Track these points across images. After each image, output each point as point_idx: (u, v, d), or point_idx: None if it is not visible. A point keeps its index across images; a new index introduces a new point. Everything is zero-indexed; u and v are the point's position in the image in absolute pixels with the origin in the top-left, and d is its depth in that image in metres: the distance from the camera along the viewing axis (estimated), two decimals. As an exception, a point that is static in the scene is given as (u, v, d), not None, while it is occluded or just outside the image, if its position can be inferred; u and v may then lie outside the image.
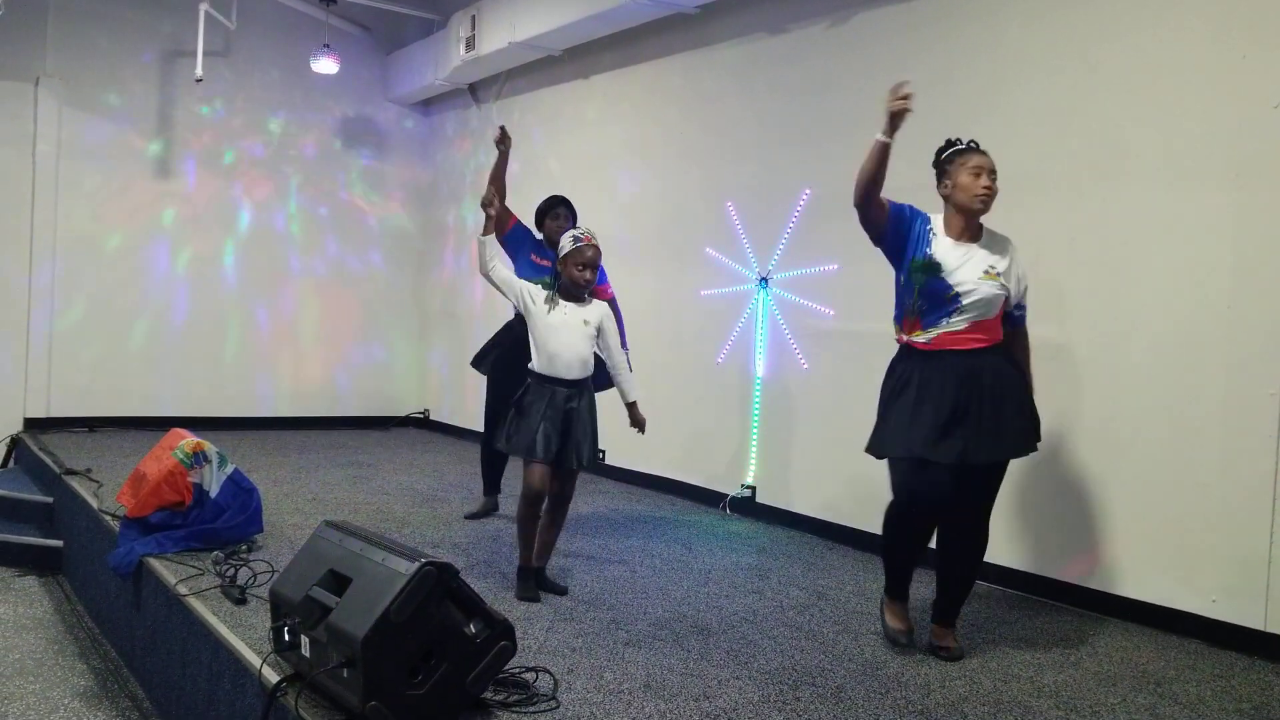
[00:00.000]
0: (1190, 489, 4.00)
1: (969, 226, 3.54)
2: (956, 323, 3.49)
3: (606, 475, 6.96)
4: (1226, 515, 3.90)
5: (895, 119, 3.35)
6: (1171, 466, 4.06)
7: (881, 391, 3.63)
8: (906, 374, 3.55)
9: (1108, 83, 4.34)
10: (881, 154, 3.40)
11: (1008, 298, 3.56)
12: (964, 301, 3.47)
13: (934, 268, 3.48)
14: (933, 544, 3.70)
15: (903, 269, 3.57)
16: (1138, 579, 4.17)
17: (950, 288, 3.47)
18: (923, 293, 3.51)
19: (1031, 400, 3.63)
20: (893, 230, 3.54)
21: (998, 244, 3.58)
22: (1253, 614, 3.81)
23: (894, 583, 3.72)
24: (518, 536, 4.20)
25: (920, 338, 3.53)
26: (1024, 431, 3.59)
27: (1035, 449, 3.66)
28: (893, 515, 3.63)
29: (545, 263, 5.47)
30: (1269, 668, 3.67)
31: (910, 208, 3.57)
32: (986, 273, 3.49)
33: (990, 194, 3.49)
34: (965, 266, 3.49)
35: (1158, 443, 4.11)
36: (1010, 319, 3.63)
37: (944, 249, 3.51)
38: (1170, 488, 4.07)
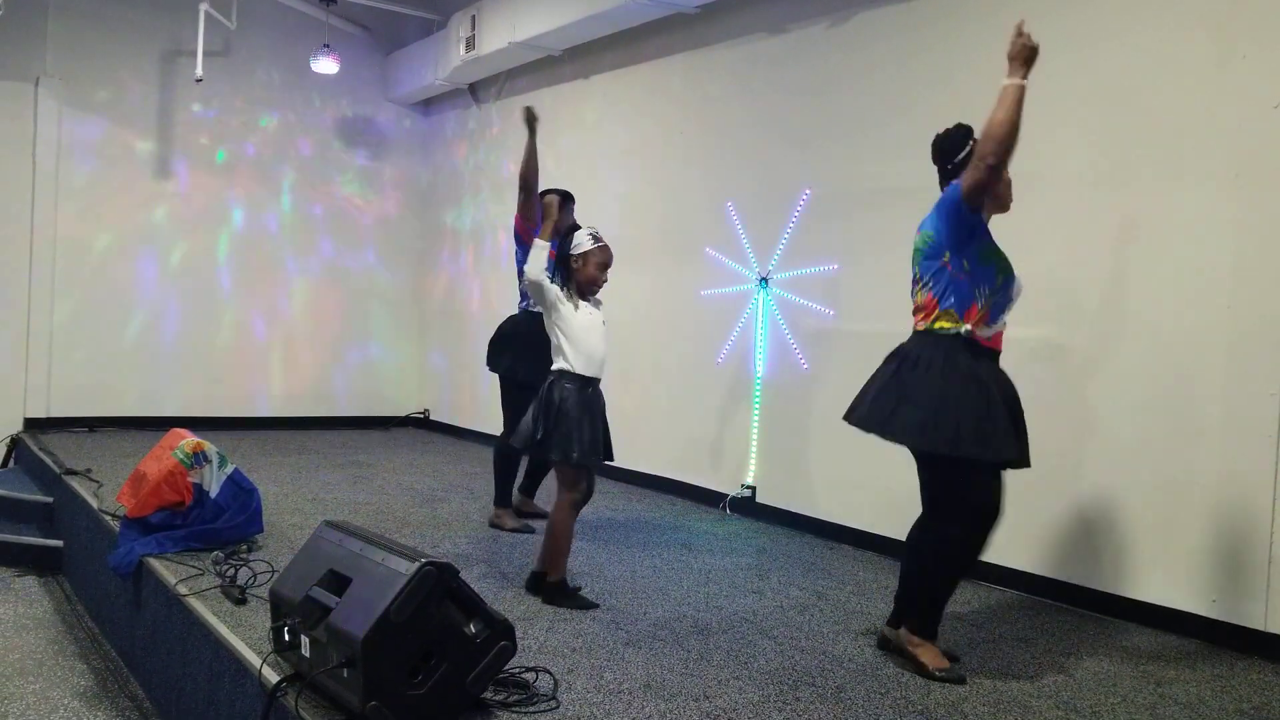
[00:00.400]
0: (1190, 489, 4.00)
1: None
2: (1002, 322, 3.40)
3: (606, 475, 6.95)
4: (1226, 515, 3.90)
5: (1030, 60, 3.11)
6: (1171, 466, 4.06)
7: (938, 382, 3.28)
8: (974, 371, 3.30)
9: (1108, 83, 4.34)
10: (1021, 98, 3.11)
11: None
12: (1014, 298, 3.40)
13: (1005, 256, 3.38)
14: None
15: (970, 252, 3.30)
16: (1138, 579, 4.17)
17: (1015, 280, 3.37)
18: (1005, 284, 3.35)
19: None
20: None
21: None
22: (1253, 614, 3.81)
23: (937, 620, 3.49)
24: (563, 548, 4.07)
25: (984, 332, 3.34)
26: None
27: None
28: (965, 538, 3.38)
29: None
30: (1269, 668, 3.67)
31: None
32: None
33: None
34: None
35: (1158, 443, 4.11)
36: None
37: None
38: (1170, 488, 4.07)
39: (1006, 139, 3.12)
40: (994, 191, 3.26)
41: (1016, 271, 3.39)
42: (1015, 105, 3.11)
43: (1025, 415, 3.45)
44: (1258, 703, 3.33)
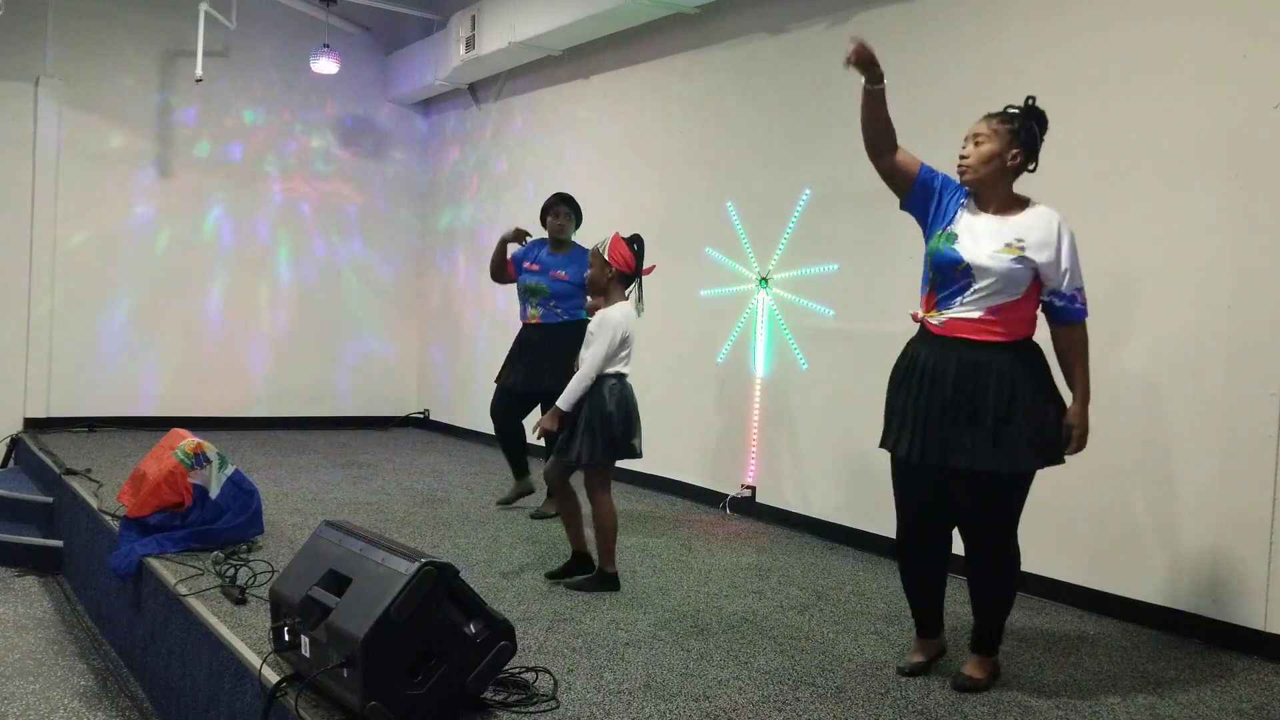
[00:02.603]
0: (1190, 489, 4.00)
1: (992, 199, 3.24)
2: (969, 308, 3.16)
3: (606, 475, 6.96)
4: (1226, 515, 3.90)
5: (862, 68, 3.22)
6: (1172, 466, 4.06)
7: (892, 376, 3.35)
8: (912, 355, 3.27)
9: (1107, 82, 4.34)
10: (868, 101, 3.25)
11: (1038, 280, 3.17)
12: (976, 279, 3.14)
13: (950, 237, 3.22)
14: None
15: (926, 239, 3.32)
16: (1137, 579, 4.17)
17: (960, 259, 3.16)
18: (933, 263, 3.24)
19: (1055, 412, 3.22)
20: (917, 194, 3.32)
21: (1039, 219, 3.19)
22: (1253, 614, 3.81)
23: (913, 614, 3.47)
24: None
25: (934, 319, 3.23)
26: (1026, 443, 3.17)
27: (1035, 465, 3.23)
28: (898, 531, 3.41)
29: (535, 267, 5.65)
30: (1269, 668, 3.67)
31: (944, 178, 3.31)
32: (1008, 245, 3.14)
33: (965, 162, 3.24)
34: (983, 239, 3.17)
35: (1158, 443, 4.11)
36: (1052, 311, 3.22)
37: (965, 221, 3.24)
38: (1170, 488, 4.07)
39: (865, 137, 3.34)
40: (892, 183, 3.38)
41: (960, 252, 3.18)
42: (864, 107, 3.30)
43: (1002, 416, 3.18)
44: (1258, 703, 3.33)
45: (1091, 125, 4.40)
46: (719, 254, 6.30)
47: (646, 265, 4.39)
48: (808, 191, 5.72)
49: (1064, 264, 3.17)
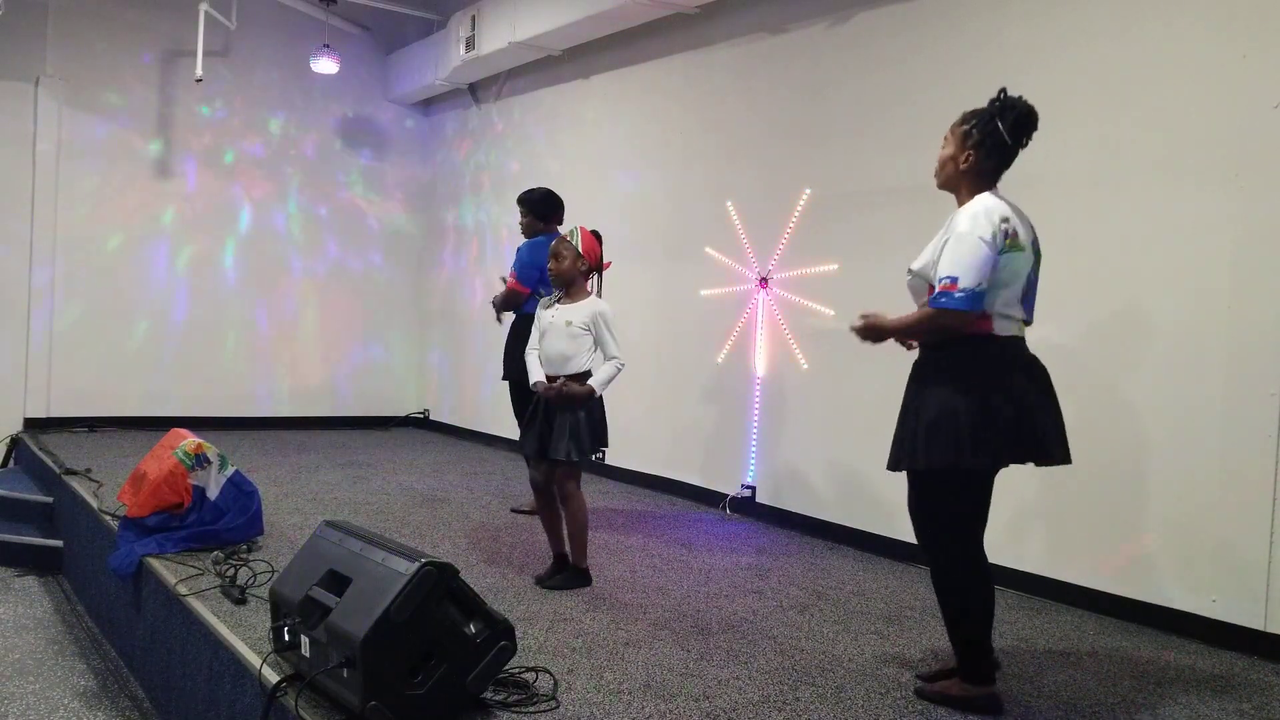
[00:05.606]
0: (1190, 489, 4.00)
1: (959, 204, 3.12)
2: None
3: (606, 475, 6.97)
4: (1226, 515, 3.90)
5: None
6: (1171, 466, 4.06)
7: None
8: None
9: (1108, 82, 4.34)
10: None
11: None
12: (910, 292, 3.17)
13: None
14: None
15: None
16: (1138, 579, 4.17)
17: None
18: None
19: (932, 412, 2.99)
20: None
21: (953, 217, 3.03)
22: (1253, 614, 3.81)
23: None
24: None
25: None
26: (902, 443, 3.09)
27: (901, 465, 3.09)
28: None
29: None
30: (1269, 668, 3.67)
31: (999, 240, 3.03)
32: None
33: (937, 168, 3.14)
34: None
35: (1158, 443, 4.11)
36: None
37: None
38: (1170, 488, 4.07)
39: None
40: None
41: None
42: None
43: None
44: (1258, 703, 3.33)
45: (1091, 125, 4.40)
46: (719, 254, 6.30)
47: (605, 260, 4.40)
48: (808, 191, 5.72)
49: (929, 256, 2.99)
